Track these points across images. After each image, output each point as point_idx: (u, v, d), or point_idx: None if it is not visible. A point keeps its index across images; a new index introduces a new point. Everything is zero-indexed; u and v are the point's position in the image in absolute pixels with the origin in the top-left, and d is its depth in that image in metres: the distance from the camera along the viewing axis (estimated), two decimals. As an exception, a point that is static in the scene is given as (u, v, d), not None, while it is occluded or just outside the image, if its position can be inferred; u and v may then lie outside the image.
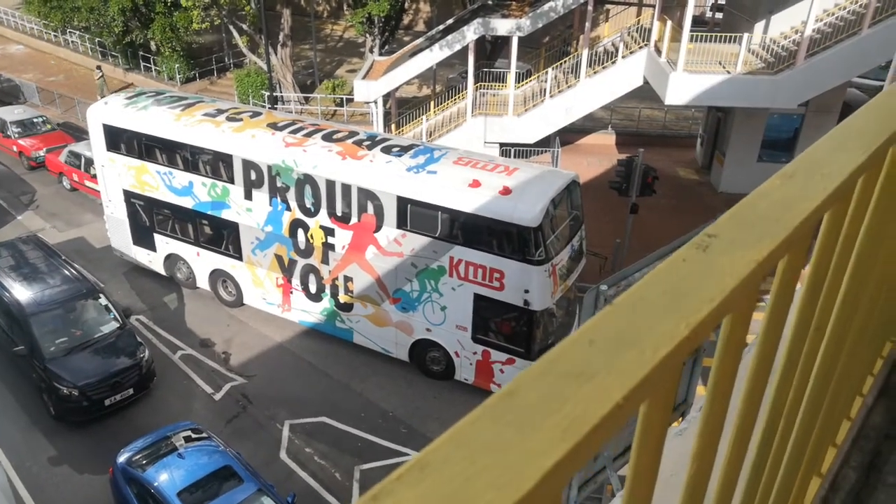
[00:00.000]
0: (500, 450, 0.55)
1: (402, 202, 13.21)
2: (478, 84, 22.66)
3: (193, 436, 11.25)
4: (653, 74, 20.56)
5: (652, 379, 0.64)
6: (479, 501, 0.51)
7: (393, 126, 23.55)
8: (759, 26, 20.76)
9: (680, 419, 8.30)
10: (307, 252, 14.82)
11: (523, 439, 0.56)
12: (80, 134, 25.01)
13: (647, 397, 0.68)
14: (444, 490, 0.52)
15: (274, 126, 15.03)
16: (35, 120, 25.06)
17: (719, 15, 27.63)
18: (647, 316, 0.70)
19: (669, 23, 19.98)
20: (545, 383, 0.62)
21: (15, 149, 24.12)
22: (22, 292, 13.76)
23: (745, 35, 18.87)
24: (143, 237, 17.22)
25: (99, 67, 30.14)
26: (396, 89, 23.45)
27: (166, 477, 10.38)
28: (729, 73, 18.81)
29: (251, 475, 10.64)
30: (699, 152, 25.45)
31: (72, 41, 36.01)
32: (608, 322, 0.69)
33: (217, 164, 15.10)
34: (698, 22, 25.29)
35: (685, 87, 18.75)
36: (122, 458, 10.88)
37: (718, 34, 19.95)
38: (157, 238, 16.97)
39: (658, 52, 20.15)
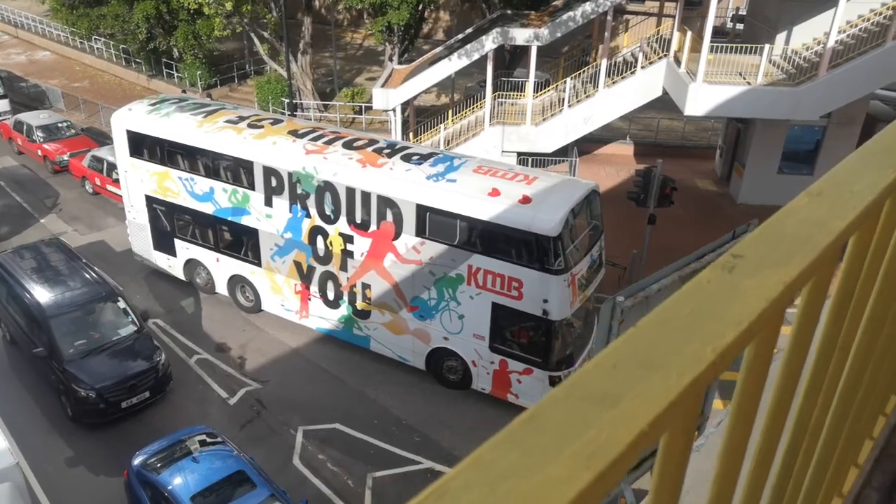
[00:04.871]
0: (522, 477, 0.54)
1: (422, 210, 13.22)
2: (496, 93, 22.68)
3: (208, 440, 11.30)
4: (672, 85, 20.45)
5: (678, 405, 0.62)
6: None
7: (411, 134, 23.62)
8: (780, 37, 20.58)
9: (696, 434, 8.22)
10: (326, 259, 14.87)
11: (545, 466, 0.54)
12: (103, 139, 25.37)
13: (672, 423, 0.66)
14: (464, 518, 0.51)
15: (295, 133, 15.13)
16: (60, 125, 25.44)
17: (740, 26, 27.44)
18: (671, 339, 0.68)
19: (689, 33, 19.88)
20: (568, 407, 0.61)
21: (40, 153, 24.50)
22: (42, 294, 13.93)
23: (767, 46, 18.71)
24: (163, 242, 17.38)
25: (209, 95, 29.68)
26: (415, 97, 23.54)
27: (180, 480, 10.43)
28: (749, 84, 18.66)
29: (264, 480, 10.66)
30: (718, 163, 25.25)
31: (97, 48, 36.60)
32: (632, 345, 0.68)
33: (238, 171, 15.22)
34: (719, 33, 25.12)
35: (705, 97, 18.63)
36: (137, 461, 10.94)
37: (739, 45, 19.80)
38: (178, 243, 17.12)
39: (678, 62, 20.05)
